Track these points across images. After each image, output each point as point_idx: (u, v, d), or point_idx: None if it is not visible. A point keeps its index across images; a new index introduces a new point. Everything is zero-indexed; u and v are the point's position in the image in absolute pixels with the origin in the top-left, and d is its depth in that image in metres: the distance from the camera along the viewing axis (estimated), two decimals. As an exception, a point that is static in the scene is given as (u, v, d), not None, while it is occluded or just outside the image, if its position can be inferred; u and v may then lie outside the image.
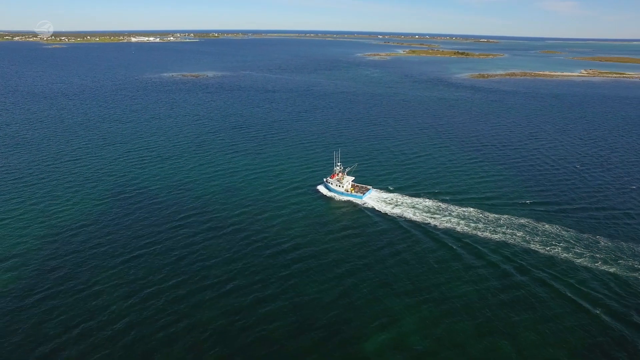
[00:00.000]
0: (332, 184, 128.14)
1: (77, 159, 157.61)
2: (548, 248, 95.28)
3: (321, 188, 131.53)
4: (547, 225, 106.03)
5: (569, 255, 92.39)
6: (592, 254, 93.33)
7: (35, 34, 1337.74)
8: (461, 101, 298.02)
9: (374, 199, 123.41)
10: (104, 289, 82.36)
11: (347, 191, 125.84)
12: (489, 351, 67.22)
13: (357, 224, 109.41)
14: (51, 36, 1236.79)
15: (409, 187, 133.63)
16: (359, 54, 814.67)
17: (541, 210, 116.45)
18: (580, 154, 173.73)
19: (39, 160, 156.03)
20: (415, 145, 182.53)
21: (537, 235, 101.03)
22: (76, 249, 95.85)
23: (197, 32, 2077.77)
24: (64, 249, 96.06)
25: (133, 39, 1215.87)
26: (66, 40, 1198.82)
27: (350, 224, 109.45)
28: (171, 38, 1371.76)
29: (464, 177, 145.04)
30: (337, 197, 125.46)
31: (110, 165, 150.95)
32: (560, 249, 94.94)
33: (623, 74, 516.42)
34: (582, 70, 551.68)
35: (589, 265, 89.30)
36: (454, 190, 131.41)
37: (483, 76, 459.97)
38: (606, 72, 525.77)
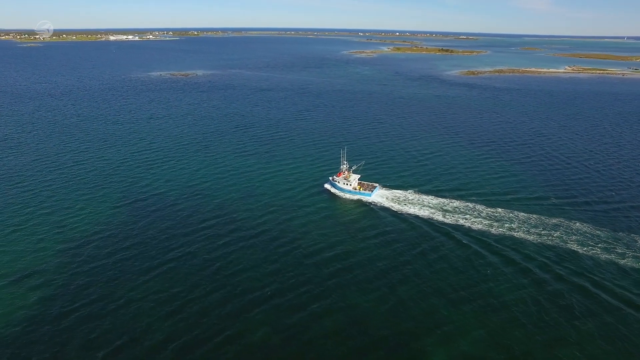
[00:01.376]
0: (339, 182, 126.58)
1: (80, 163, 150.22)
2: (586, 249, 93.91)
3: (328, 187, 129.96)
4: (578, 224, 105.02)
5: (612, 257, 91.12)
6: (635, 253, 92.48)
7: (8, 33, 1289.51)
8: (458, 98, 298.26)
9: (383, 196, 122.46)
10: (140, 305, 77.16)
11: (355, 189, 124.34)
12: (560, 360, 65.18)
13: (379, 225, 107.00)
14: (25, 35, 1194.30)
15: (417, 184, 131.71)
16: (345, 52, 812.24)
17: (569, 208, 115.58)
18: (591, 151, 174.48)
19: (40, 165, 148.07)
20: (420, 143, 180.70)
21: (573, 234, 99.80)
22: (100, 262, 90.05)
23: (175, 31, 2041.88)
24: (86, 262, 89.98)
25: (111, 38, 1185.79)
26: (41, 38, 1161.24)
27: (371, 225, 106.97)
28: (150, 36, 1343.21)
29: (475, 174, 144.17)
30: (345, 195, 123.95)
31: (118, 169, 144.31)
32: (599, 249, 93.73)
33: (605, 70, 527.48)
34: (567, 67, 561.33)
35: (636, 266, 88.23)
36: (467, 188, 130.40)
37: (472, 73, 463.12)
38: (589, 69, 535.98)
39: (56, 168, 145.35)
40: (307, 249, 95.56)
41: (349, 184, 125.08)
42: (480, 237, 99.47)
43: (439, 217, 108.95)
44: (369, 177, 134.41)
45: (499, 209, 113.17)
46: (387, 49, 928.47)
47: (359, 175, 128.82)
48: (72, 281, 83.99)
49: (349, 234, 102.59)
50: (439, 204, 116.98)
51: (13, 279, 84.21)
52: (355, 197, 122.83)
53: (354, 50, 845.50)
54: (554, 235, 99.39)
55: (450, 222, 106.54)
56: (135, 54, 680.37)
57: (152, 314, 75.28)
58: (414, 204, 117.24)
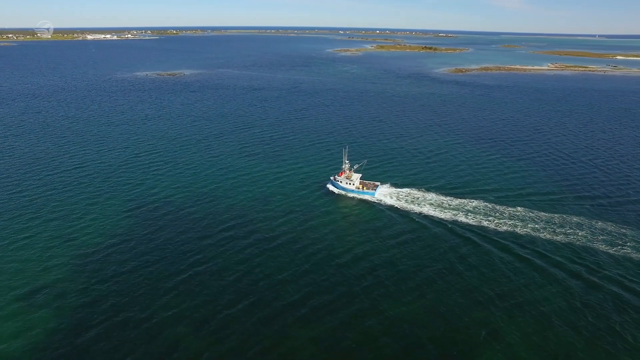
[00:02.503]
0: (341, 182, 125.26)
1: (80, 167, 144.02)
2: (616, 249, 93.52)
3: (330, 187, 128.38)
4: (601, 223, 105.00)
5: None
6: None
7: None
8: (451, 96, 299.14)
9: (386, 195, 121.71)
10: (164, 320, 73.08)
11: (358, 189, 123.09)
12: (611, 362, 64.20)
13: (391, 225, 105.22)
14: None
15: (420, 183, 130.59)
16: (329, 50, 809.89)
17: (587, 206, 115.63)
18: (592, 147, 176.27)
19: (36, 170, 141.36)
20: (420, 141, 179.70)
21: (599, 234, 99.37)
22: (117, 274, 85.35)
23: (154, 30, 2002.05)
24: (102, 274, 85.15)
25: (89, 37, 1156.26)
26: (14, 37, 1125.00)
27: (384, 225, 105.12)
28: (129, 36, 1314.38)
29: (481, 171, 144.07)
30: (348, 195, 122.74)
31: (121, 173, 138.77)
32: (629, 249, 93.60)
33: (587, 67, 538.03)
34: (549, 64, 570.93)
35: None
36: (475, 186, 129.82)
37: (461, 71, 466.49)
38: (572, 66, 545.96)
39: (55, 173, 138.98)
40: (327, 252, 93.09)
41: (351, 183, 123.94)
42: (502, 238, 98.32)
43: (449, 216, 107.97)
44: (369, 176, 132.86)
45: (519, 208, 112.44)
46: (370, 47, 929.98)
47: (361, 174, 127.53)
48: (89, 295, 79.25)
49: (364, 235, 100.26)
50: (445, 202, 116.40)
51: (25, 295, 78.99)
52: (359, 196, 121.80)
53: (339, 49, 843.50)
54: (579, 234, 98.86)
55: (470, 222, 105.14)
56: (116, 54, 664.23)
57: (180, 328, 71.50)
58: (420, 202, 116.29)
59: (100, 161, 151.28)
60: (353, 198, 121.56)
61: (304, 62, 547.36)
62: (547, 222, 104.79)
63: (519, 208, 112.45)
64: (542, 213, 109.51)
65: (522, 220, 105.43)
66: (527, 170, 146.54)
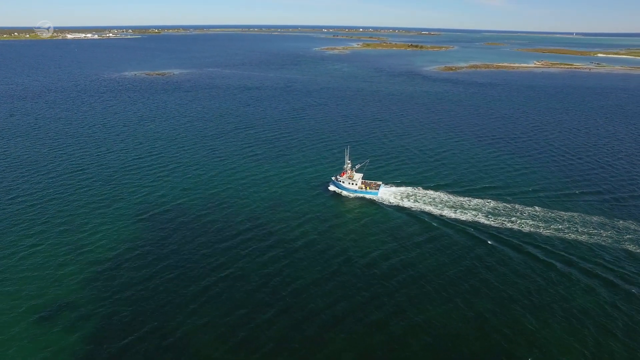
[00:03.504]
0: (343, 182, 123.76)
1: (81, 172, 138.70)
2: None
3: (332, 187, 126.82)
4: (622, 222, 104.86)
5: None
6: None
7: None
8: (447, 94, 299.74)
9: (389, 194, 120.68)
10: (190, 330, 69.88)
11: (361, 189, 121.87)
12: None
13: (402, 226, 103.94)
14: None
15: (423, 181, 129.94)
16: (316, 49, 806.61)
17: (607, 204, 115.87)
18: (595, 145, 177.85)
19: (35, 176, 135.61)
20: (420, 139, 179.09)
21: (626, 233, 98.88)
22: (138, 288, 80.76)
23: (135, 28, 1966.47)
24: (123, 289, 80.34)
25: (69, 36, 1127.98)
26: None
27: (398, 226, 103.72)
28: (110, 35, 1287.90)
29: (487, 169, 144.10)
30: (351, 195, 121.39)
31: (126, 177, 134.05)
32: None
33: (572, 65, 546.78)
34: (535, 62, 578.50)
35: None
36: (482, 184, 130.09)
37: (450, 69, 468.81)
38: (558, 64, 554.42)
39: (54, 177, 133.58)
40: (346, 256, 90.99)
41: (354, 183, 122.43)
42: (522, 238, 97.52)
43: (459, 215, 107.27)
44: (370, 175, 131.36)
45: (537, 207, 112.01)
46: (357, 45, 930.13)
47: (362, 174, 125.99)
48: (107, 307, 75.14)
49: (379, 237, 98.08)
50: (452, 201, 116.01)
51: (39, 309, 74.37)
52: (362, 196, 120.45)
53: (325, 47, 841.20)
54: (604, 234, 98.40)
55: (481, 220, 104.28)
56: (100, 53, 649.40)
57: (208, 338, 68.62)
58: (425, 201, 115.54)
59: (100, 164, 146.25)
60: (356, 198, 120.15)
61: (293, 61, 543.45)
62: (569, 222, 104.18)
63: (536, 207, 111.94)
64: (561, 212, 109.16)
65: (544, 221, 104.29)
66: (534, 167, 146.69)
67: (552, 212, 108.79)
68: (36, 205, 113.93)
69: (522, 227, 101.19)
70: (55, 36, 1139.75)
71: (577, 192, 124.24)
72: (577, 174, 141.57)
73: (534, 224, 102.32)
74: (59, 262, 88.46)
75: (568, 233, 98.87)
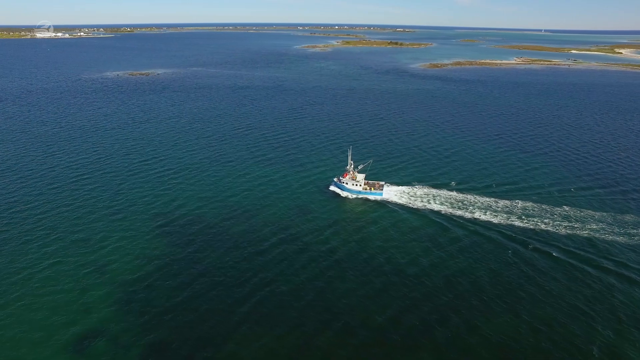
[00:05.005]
0: (347, 183, 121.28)
1: (83, 179, 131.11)
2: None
3: (334, 189, 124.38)
4: (629, 216, 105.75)
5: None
6: None
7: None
8: (439, 92, 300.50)
9: (394, 194, 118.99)
10: (247, 356, 65.49)
11: (365, 189, 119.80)
12: None
13: (423, 228, 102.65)
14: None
15: (428, 180, 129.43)
16: (297, 47, 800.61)
17: (632, 201, 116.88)
18: (595, 141, 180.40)
19: (35, 183, 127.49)
20: (420, 139, 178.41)
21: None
22: (171, 304, 75.77)
23: (107, 27, 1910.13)
24: (153, 308, 74.39)
25: (38, 35, 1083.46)
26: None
27: (415, 228, 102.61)
28: (81, 34, 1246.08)
29: (492, 166, 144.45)
30: (354, 196, 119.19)
31: (136, 185, 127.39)
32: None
33: (551, 61, 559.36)
34: (515, 58, 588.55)
35: None
36: (489, 182, 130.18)
37: (436, 66, 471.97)
38: (538, 60, 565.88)
39: (58, 188, 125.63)
40: (393, 266, 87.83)
41: (358, 184, 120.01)
42: (566, 242, 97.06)
43: (478, 216, 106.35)
44: (370, 174, 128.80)
45: (565, 207, 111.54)
46: (336, 43, 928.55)
47: (364, 174, 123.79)
48: (156, 342, 67.52)
49: (419, 247, 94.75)
50: (468, 200, 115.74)
51: (79, 349, 66.06)
52: (367, 197, 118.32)
53: (306, 45, 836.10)
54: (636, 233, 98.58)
55: (525, 225, 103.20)
56: (75, 53, 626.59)
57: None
58: (435, 201, 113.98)
59: (104, 170, 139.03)
60: (362, 200, 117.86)
61: (277, 60, 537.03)
62: (603, 222, 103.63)
63: (565, 207, 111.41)
64: (591, 211, 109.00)
65: (579, 221, 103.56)
66: (545, 165, 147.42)
67: (582, 212, 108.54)
68: (44, 219, 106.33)
69: (558, 229, 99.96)
70: (24, 35, 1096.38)
71: (599, 190, 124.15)
72: (594, 171, 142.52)
73: (569, 225, 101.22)
74: (84, 284, 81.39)
75: (605, 234, 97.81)
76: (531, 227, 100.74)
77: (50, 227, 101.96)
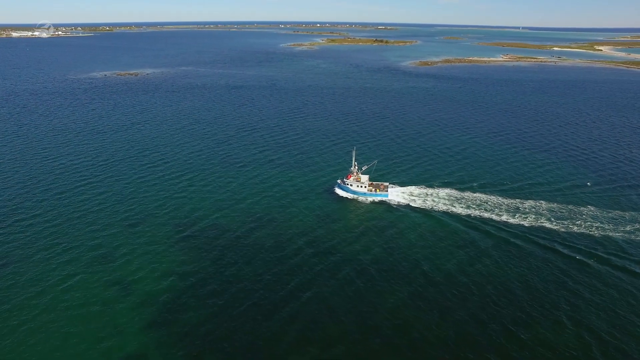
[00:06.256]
0: (351, 185, 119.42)
1: (90, 183, 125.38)
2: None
3: (338, 190, 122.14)
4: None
5: None
6: None
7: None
8: (435, 90, 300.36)
9: (398, 195, 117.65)
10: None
11: (371, 191, 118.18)
12: None
13: (439, 229, 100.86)
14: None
15: (431, 179, 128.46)
16: (283, 45, 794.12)
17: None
18: (596, 139, 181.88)
19: (42, 192, 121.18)
20: (421, 138, 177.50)
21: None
22: (204, 321, 72.25)
23: (84, 26, 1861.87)
24: (187, 326, 70.01)
25: (14, 34, 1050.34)
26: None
27: (432, 230, 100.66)
28: (60, 33, 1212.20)
29: (496, 165, 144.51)
30: (360, 198, 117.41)
31: (146, 191, 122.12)
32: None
33: (537, 58, 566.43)
34: (502, 55, 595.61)
35: None
36: (494, 180, 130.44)
37: (426, 64, 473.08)
38: (524, 57, 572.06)
39: (63, 194, 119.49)
40: (431, 274, 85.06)
41: (362, 185, 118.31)
42: (597, 245, 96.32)
43: (497, 216, 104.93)
44: (374, 175, 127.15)
45: (591, 207, 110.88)
46: (322, 41, 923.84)
47: (368, 175, 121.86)
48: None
49: (445, 251, 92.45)
50: (481, 200, 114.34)
51: None
52: (372, 199, 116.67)
53: (292, 43, 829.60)
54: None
55: (523, 223, 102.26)
56: (57, 53, 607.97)
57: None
58: (445, 202, 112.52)
59: (110, 175, 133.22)
60: (366, 201, 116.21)
61: (266, 58, 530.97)
62: (636, 222, 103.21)
63: (590, 207, 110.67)
64: (618, 211, 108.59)
65: (610, 222, 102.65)
66: (552, 162, 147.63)
67: (609, 212, 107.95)
68: (56, 231, 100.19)
69: (591, 231, 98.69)
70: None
71: (619, 189, 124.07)
72: (610, 169, 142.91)
73: (600, 226, 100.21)
74: (113, 304, 76.34)
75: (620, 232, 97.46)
76: (554, 227, 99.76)
77: (63, 240, 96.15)
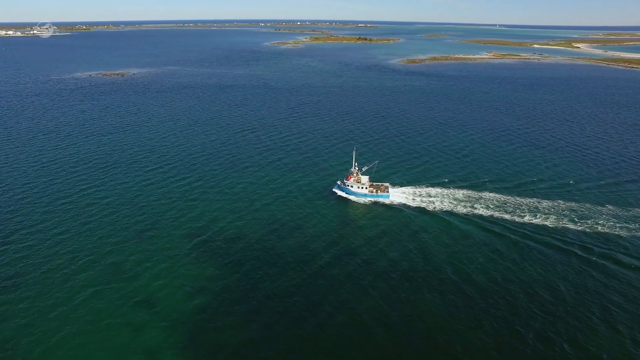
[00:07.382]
0: (352, 186, 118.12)
1: (94, 189, 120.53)
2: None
3: (338, 192, 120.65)
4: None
5: None
6: None
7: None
8: (428, 88, 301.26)
9: (399, 196, 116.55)
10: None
11: (372, 192, 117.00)
12: None
13: (438, 232, 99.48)
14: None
15: (433, 179, 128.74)
16: (267, 43, 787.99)
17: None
18: (592, 136, 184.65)
19: (43, 198, 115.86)
20: (422, 137, 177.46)
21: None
22: (243, 342, 69.59)
23: (59, 25, 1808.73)
24: (224, 348, 66.67)
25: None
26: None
27: (442, 231, 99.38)
28: (35, 32, 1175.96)
29: (499, 165, 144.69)
30: (361, 199, 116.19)
31: (155, 196, 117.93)
32: None
33: (520, 55, 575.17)
34: (486, 53, 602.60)
35: None
36: (498, 179, 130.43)
37: (414, 61, 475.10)
38: (508, 55, 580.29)
39: (67, 200, 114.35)
40: (460, 277, 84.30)
41: (363, 186, 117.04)
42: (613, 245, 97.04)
43: (502, 215, 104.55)
44: (375, 176, 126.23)
45: (609, 206, 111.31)
46: (305, 39, 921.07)
47: (368, 176, 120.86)
48: None
49: (466, 256, 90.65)
50: (493, 199, 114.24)
51: None
52: (373, 200, 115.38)
53: (276, 42, 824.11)
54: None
55: (531, 221, 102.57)
56: (34, 53, 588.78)
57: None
58: (450, 202, 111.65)
59: (114, 179, 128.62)
60: (367, 203, 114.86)
61: (252, 57, 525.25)
62: (610, 215, 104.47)
63: (608, 206, 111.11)
64: (637, 209, 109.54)
65: (627, 221, 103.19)
66: (554, 160, 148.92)
67: (628, 211, 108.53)
68: (64, 240, 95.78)
69: (611, 230, 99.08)
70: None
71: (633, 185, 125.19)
72: (617, 165, 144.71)
73: (620, 226, 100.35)
74: (136, 321, 71.82)
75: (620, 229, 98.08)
76: (554, 225, 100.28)
77: (72, 251, 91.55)
